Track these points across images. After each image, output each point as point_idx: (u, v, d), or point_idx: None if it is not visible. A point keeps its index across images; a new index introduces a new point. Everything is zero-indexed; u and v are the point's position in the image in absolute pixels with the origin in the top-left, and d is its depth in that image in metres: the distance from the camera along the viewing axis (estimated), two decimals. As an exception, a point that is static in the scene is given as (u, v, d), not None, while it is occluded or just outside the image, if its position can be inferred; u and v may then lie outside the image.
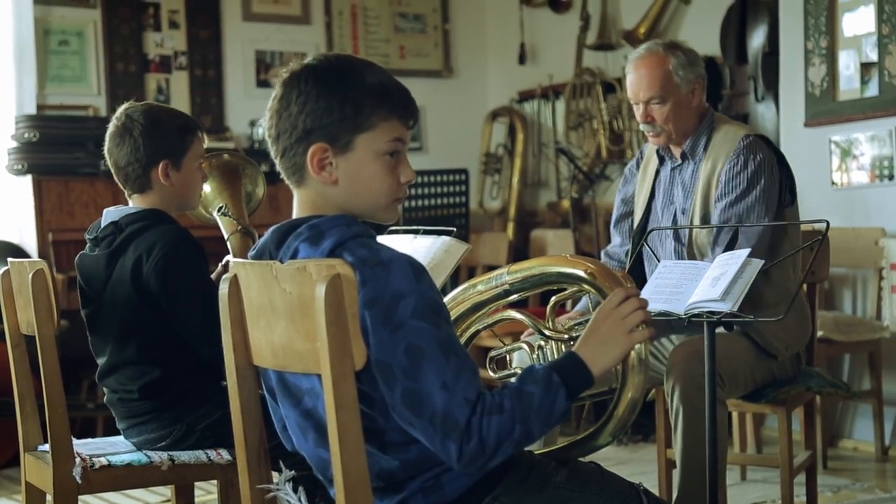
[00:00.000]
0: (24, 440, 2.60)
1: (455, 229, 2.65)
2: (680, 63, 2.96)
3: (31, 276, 2.39)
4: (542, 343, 2.07)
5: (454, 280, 4.88)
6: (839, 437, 4.54)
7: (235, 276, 1.72)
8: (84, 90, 5.50)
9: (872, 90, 4.36)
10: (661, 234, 3.06)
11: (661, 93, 2.95)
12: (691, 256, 2.95)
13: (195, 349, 2.48)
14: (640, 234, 3.08)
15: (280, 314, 1.62)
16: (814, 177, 4.52)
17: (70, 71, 5.47)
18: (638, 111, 3.01)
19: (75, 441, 2.51)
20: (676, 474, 2.77)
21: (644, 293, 2.35)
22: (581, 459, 1.86)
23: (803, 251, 2.89)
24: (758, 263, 2.31)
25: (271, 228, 1.72)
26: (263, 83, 5.88)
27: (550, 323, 2.10)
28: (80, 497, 2.45)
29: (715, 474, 2.45)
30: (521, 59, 6.19)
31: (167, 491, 3.39)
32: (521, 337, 2.79)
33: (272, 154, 1.73)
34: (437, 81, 6.43)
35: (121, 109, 2.58)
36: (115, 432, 2.70)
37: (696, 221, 2.95)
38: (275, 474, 1.79)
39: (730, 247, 2.82)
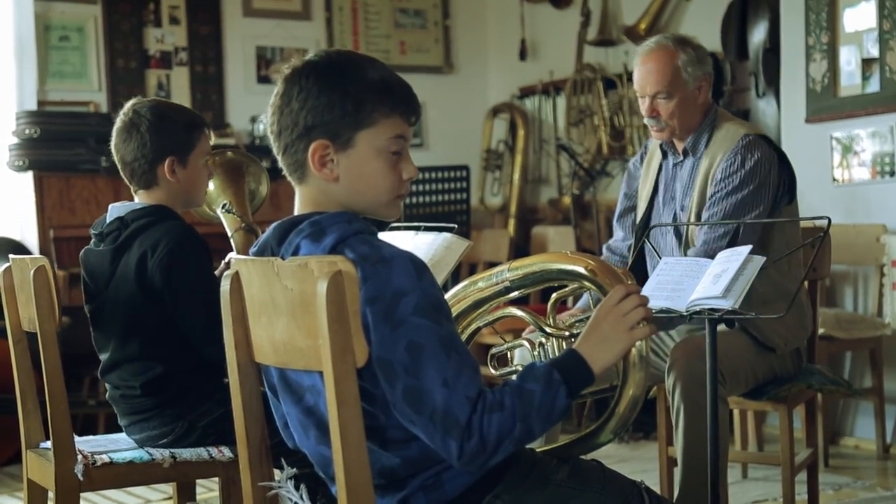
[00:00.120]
0: (25, 437, 2.60)
1: (456, 226, 2.65)
2: (689, 59, 2.96)
3: (32, 272, 2.39)
4: (543, 340, 2.07)
5: (455, 277, 4.87)
6: (840, 435, 4.53)
7: (237, 273, 1.72)
8: (85, 86, 5.49)
9: (873, 86, 4.36)
10: (663, 229, 3.06)
11: (668, 88, 2.94)
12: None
13: (198, 346, 2.48)
14: (643, 230, 3.08)
15: (281, 311, 1.61)
16: (815, 173, 4.52)
17: (71, 67, 5.47)
18: (643, 104, 3.00)
19: (77, 438, 2.51)
20: (678, 472, 2.77)
21: (645, 290, 2.35)
22: (582, 457, 1.85)
23: (805, 248, 2.88)
24: (759, 260, 2.30)
25: (273, 225, 1.72)
26: (264, 79, 5.88)
27: (551, 320, 2.10)
28: (82, 494, 2.45)
29: (716, 472, 2.45)
30: (522, 55, 6.19)
31: (169, 488, 3.40)
32: (523, 334, 2.79)
33: (274, 150, 1.73)
34: (438, 77, 6.42)
35: (128, 105, 2.58)
36: (117, 429, 2.70)
37: (693, 219, 2.95)
38: (276, 472, 1.79)
39: (731, 243, 2.82)
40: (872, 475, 4.02)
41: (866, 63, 4.38)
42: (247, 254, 1.75)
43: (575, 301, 3.18)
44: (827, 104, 4.51)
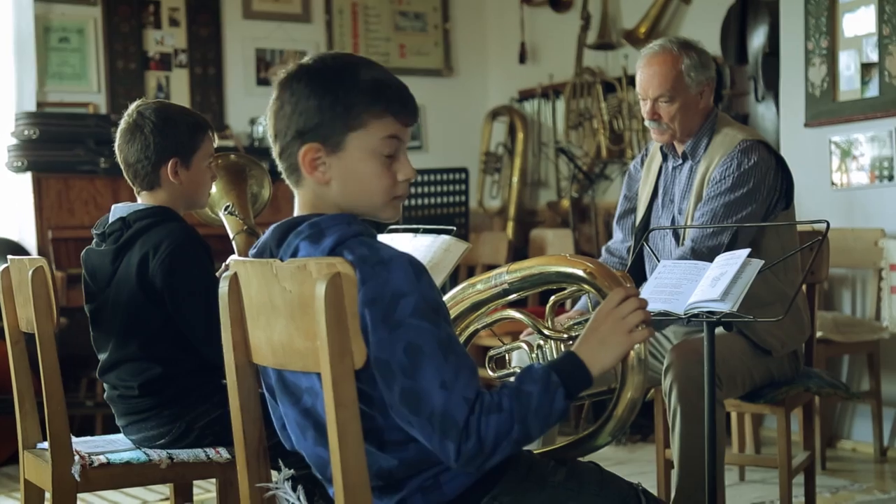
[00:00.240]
0: (23, 438, 2.60)
1: (455, 228, 2.65)
2: (693, 64, 2.96)
3: (30, 273, 2.39)
4: (542, 342, 2.07)
5: (454, 279, 4.87)
6: (838, 438, 4.54)
7: (235, 275, 1.72)
8: (84, 87, 5.49)
9: (873, 91, 4.36)
10: (662, 232, 3.07)
11: (670, 92, 2.95)
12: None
13: (198, 347, 2.49)
14: (642, 232, 3.09)
15: (280, 312, 1.61)
16: (813, 177, 4.53)
17: (70, 68, 5.47)
18: (644, 107, 3.01)
19: (74, 439, 2.51)
20: (675, 474, 2.77)
21: (644, 293, 2.35)
22: (579, 459, 1.86)
23: (803, 251, 2.89)
24: (757, 264, 2.31)
25: (272, 226, 1.72)
26: (263, 81, 5.88)
27: (550, 322, 2.10)
28: (79, 495, 2.45)
29: (713, 474, 2.45)
30: (522, 59, 6.19)
31: (166, 489, 3.39)
32: (521, 336, 2.79)
33: (273, 154, 1.73)
34: (438, 80, 6.43)
35: (132, 106, 2.59)
36: (114, 430, 2.70)
37: (690, 222, 2.96)
38: (274, 473, 1.79)
39: (722, 244, 2.83)
40: (870, 478, 4.02)
41: (865, 68, 4.39)
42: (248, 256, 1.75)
43: (573, 304, 3.18)
44: (826, 108, 4.52)
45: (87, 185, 4.93)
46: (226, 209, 2.84)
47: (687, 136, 3.02)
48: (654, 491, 3.11)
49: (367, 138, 1.65)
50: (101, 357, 2.60)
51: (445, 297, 2.12)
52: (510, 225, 6.12)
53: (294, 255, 1.65)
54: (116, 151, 2.59)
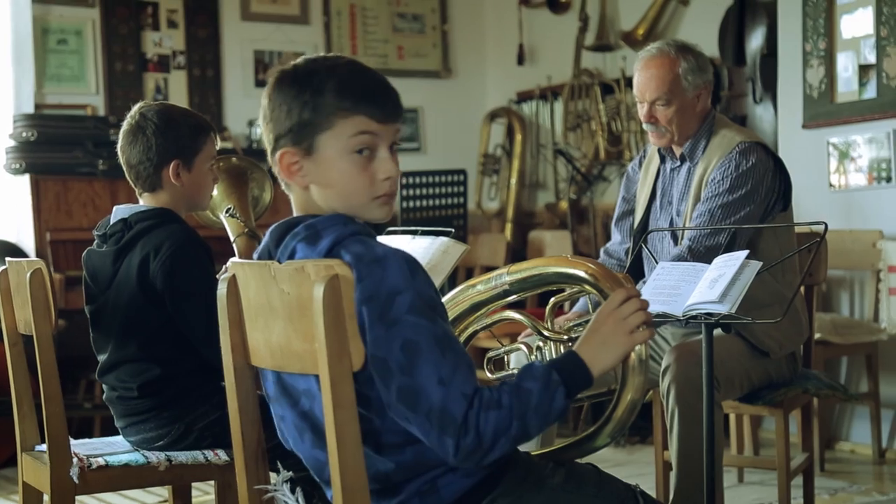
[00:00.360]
0: (21, 440, 2.59)
1: (453, 230, 2.66)
2: (690, 67, 2.97)
3: (28, 275, 2.39)
4: (541, 344, 2.07)
5: (452, 281, 4.87)
6: (836, 440, 4.54)
7: (234, 277, 1.72)
8: (82, 89, 5.49)
9: (870, 92, 4.37)
10: (660, 234, 3.07)
11: (667, 95, 2.95)
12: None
13: (198, 349, 2.49)
14: (641, 234, 3.09)
15: (278, 314, 1.61)
16: (811, 179, 4.53)
17: (68, 70, 5.47)
18: (641, 109, 3.01)
19: (73, 441, 2.51)
20: (673, 476, 2.77)
21: (642, 294, 2.35)
22: (578, 461, 1.86)
23: (801, 253, 2.89)
24: (755, 265, 2.31)
25: (271, 228, 1.73)
26: (262, 83, 5.88)
27: (549, 323, 2.10)
28: (78, 497, 2.45)
29: (712, 476, 2.45)
30: (520, 60, 6.19)
31: (164, 491, 3.39)
32: (519, 338, 2.79)
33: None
34: (436, 82, 6.43)
35: (135, 108, 2.59)
36: (113, 432, 2.70)
37: (689, 224, 2.96)
38: (272, 475, 1.79)
39: (720, 244, 2.83)
40: (868, 480, 4.02)
41: (863, 69, 4.39)
42: (249, 259, 1.76)
43: (571, 306, 3.18)
44: (824, 110, 4.52)
45: (86, 187, 4.92)
46: (227, 212, 2.85)
47: (684, 138, 3.02)
48: (652, 493, 3.11)
49: (337, 138, 1.64)
50: (101, 358, 2.60)
51: (445, 298, 2.12)
52: (508, 227, 6.12)
53: (291, 256, 1.65)
54: (119, 153, 2.60)
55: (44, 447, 2.47)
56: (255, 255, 1.76)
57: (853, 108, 4.41)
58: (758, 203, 2.90)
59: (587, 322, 1.74)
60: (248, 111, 5.75)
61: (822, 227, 2.38)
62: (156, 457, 2.49)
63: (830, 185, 4.54)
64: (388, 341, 1.55)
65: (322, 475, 1.71)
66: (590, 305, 2.52)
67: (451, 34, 6.51)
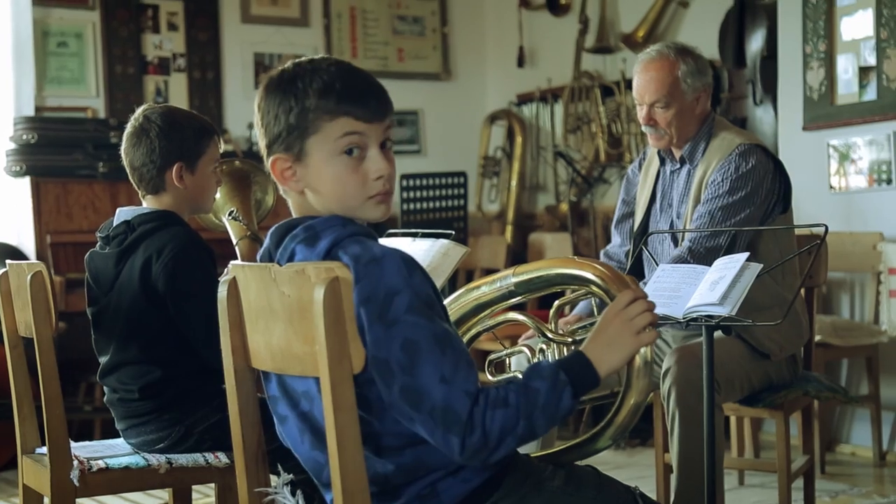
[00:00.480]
0: (21, 443, 2.59)
1: (453, 232, 2.66)
2: (689, 70, 2.97)
3: (29, 277, 2.39)
4: (544, 346, 2.07)
5: (452, 283, 4.88)
6: (837, 442, 4.54)
7: (234, 279, 1.72)
8: (82, 92, 5.49)
9: (871, 94, 4.37)
10: (660, 236, 3.07)
11: (666, 98, 2.96)
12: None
13: (199, 351, 2.49)
14: (641, 236, 3.09)
15: (278, 317, 1.62)
16: (812, 181, 4.53)
17: (68, 73, 5.47)
18: (640, 112, 3.02)
19: (73, 444, 2.50)
20: (674, 479, 2.77)
21: (644, 296, 2.35)
22: (577, 463, 1.86)
23: (801, 255, 2.89)
24: (756, 268, 2.31)
25: (271, 229, 1.73)
26: (262, 86, 5.87)
27: (553, 326, 2.10)
28: (78, 500, 2.44)
29: (712, 479, 2.45)
30: (520, 62, 6.19)
31: (164, 494, 3.39)
32: (520, 339, 2.79)
33: None
34: (436, 84, 6.43)
35: (139, 111, 2.60)
36: (113, 435, 2.70)
37: (689, 226, 2.96)
38: (273, 478, 1.78)
39: (720, 246, 2.83)
40: (869, 482, 4.02)
41: (863, 71, 4.39)
42: (252, 261, 1.76)
43: (571, 309, 3.18)
44: (824, 112, 4.52)
45: (86, 190, 4.93)
46: (230, 215, 2.85)
47: (683, 141, 3.03)
48: (653, 495, 3.10)
49: (325, 141, 1.64)
50: (102, 360, 2.60)
51: (449, 299, 2.12)
52: (509, 229, 6.12)
53: (291, 258, 1.65)
54: (122, 155, 2.60)
55: (44, 450, 2.47)
56: (257, 258, 1.76)
57: (853, 110, 4.41)
58: (758, 205, 2.90)
59: (591, 325, 1.74)
60: (249, 114, 5.74)
61: (823, 229, 2.38)
62: (156, 459, 2.49)
63: (831, 187, 4.54)
64: (388, 341, 1.55)
65: (321, 477, 1.71)
66: (594, 307, 2.52)
67: (451, 36, 6.51)
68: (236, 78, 5.89)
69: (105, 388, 2.63)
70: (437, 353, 1.55)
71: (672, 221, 3.06)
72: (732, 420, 4.13)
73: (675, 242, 3.02)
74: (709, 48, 4.99)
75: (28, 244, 4.90)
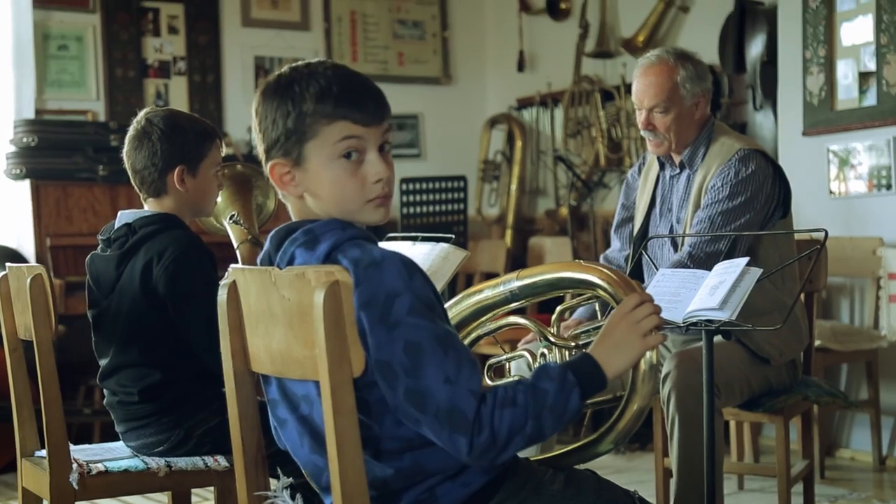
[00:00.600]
0: (20, 446, 2.59)
1: (453, 236, 2.66)
2: (688, 76, 2.97)
3: (28, 280, 2.39)
4: (545, 351, 2.07)
5: (452, 287, 4.88)
6: (836, 447, 4.53)
7: (234, 283, 1.72)
8: (83, 95, 5.50)
9: (870, 100, 4.37)
10: (660, 241, 3.07)
11: (665, 103, 2.96)
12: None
13: (199, 355, 2.49)
14: (640, 241, 3.09)
15: (279, 320, 1.61)
16: (811, 186, 4.53)
17: (69, 76, 5.47)
18: (640, 116, 3.02)
19: (72, 447, 2.50)
20: (673, 483, 2.77)
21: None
22: (576, 467, 1.85)
23: (801, 260, 2.89)
24: (756, 272, 2.31)
25: (271, 233, 1.73)
26: (262, 89, 5.88)
27: (556, 330, 2.10)
28: (77, 503, 2.44)
29: (712, 483, 2.45)
30: (520, 67, 6.20)
31: (164, 497, 3.39)
32: (520, 344, 2.79)
33: None
34: (436, 88, 6.43)
35: (141, 114, 2.60)
36: (112, 438, 2.70)
37: (688, 231, 2.96)
38: (272, 481, 1.78)
39: (720, 251, 2.83)
40: (868, 487, 4.02)
41: (863, 77, 4.40)
42: (253, 265, 1.76)
43: (570, 314, 3.18)
44: (824, 117, 4.52)
45: (86, 193, 4.93)
46: (230, 218, 2.85)
47: (682, 146, 3.03)
48: (652, 500, 3.10)
49: (323, 146, 1.64)
50: (102, 363, 2.60)
51: (450, 303, 2.12)
52: (508, 233, 6.12)
53: (290, 262, 1.65)
54: (124, 158, 2.61)
55: (43, 453, 2.47)
56: (257, 261, 1.76)
57: (853, 116, 4.42)
58: (757, 210, 2.90)
59: (594, 329, 1.74)
60: (249, 117, 5.62)
61: (823, 234, 2.39)
62: (155, 462, 2.49)
63: (830, 192, 4.54)
64: (391, 344, 1.55)
65: (320, 481, 1.70)
66: (598, 311, 2.52)
67: (451, 41, 6.51)
68: (237, 81, 5.89)
69: (105, 391, 2.63)
70: (439, 354, 1.55)
71: (672, 226, 3.06)
72: (732, 425, 4.13)
73: (675, 247, 3.03)
74: (709, 53, 4.99)
75: (28, 247, 4.90)
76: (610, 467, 4.18)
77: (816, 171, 4.56)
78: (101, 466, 2.45)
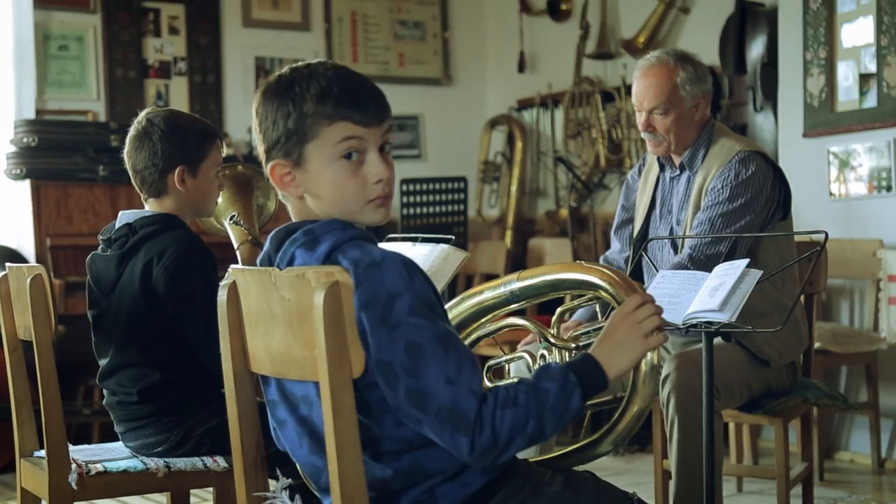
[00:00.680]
0: (20, 446, 2.59)
1: (453, 237, 2.66)
2: (688, 77, 2.97)
3: (28, 281, 2.39)
4: (545, 352, 2.06)
5: (452, 288, 4.87)
6: (836, 449, 4.53)
7: (234, 283, 1.72)
8: (83, 95, 5.50)
9: (871, 101, 4.37)
10: (660, 242, 3.07)
11: (665, 105, 2.96)
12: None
13: (198, 355, 2.49)
14: (640, 242, 3.09)
15: (279, 321, 1.61)
16: (812, 188, 4.53)
17: (69, 76, 5.47)
18: (640, 118, 3.02)
19: (71, 447, 2.50)
20: (672, 485, 2.77)
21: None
22: (575, 468, 1.85)
23: (801, 262, 2.89)
24: (756, 274, 2.31)
25: (271, 233, 1.73)
26: (263, 90, 5.88)
27: (556, 331, 2.10)
28: (76, 503, 2.44)
29: (711, 485, 2.45)
30: (521, 68, 6.20)
31: (163, 498, 3.39)
32: (519, 345, 2.79)
33: None
34: (437, 89, 6.43)
35: (142, 114, 2.61)
36: (111, 438, 2.70)
37: (689, 232, 2.96)
38: (271, 482, 1.78)
39: (730, 256, 2.83)
40: (867, 489, 4.02)
41: (864, 78, 4.40)
42: (253, 265, 1.76)
43: (570, 316, 3.18)
44: (824, 119, 4.52)
45: (86, 193, 4.93)
46: (231, 219, 2.85)
47: (682, 148, 3.03)
48: (651, 501, 3.10)
49: (323, 146, 1.64)
50: (102, 363, 2.60)
51: (450, 303, 2.12)
52: (508, 234, 6.12)
53: (290, 262, 1.65)
54: (125, 158, 2.61)
55: (42, 453, 2.47)
56: (258, 262, 1.76)
57: (853, 117, 4.42)
58: (757, 212, 2.90)
59: (595, 330, 1.74)
60: (249, 118, 5.59)
61: (823, 235, 2.39)
62: (154, 463, 2.49)
63: (830, 193, 4.54)
64: (391, 344, 1.55)
65: (319, 482, 1.70)
66: (599, 312, 2.52)
67: (451, 41, 6.51)
68: (237, 82, 5.89)
69: (104, 391, 2.63)
70: (440, 355, 1.55)
71: (672, 228, 3.06)
72: (731, 427, 4.13)
73: (675, 249, 3.03)
74: (709, 54, 4.99)
75: (28, 247, 4.90)
76: (609, 469, 4.18)
77: (817, 173, 4.56)
78: (100, 467, 2.45)
